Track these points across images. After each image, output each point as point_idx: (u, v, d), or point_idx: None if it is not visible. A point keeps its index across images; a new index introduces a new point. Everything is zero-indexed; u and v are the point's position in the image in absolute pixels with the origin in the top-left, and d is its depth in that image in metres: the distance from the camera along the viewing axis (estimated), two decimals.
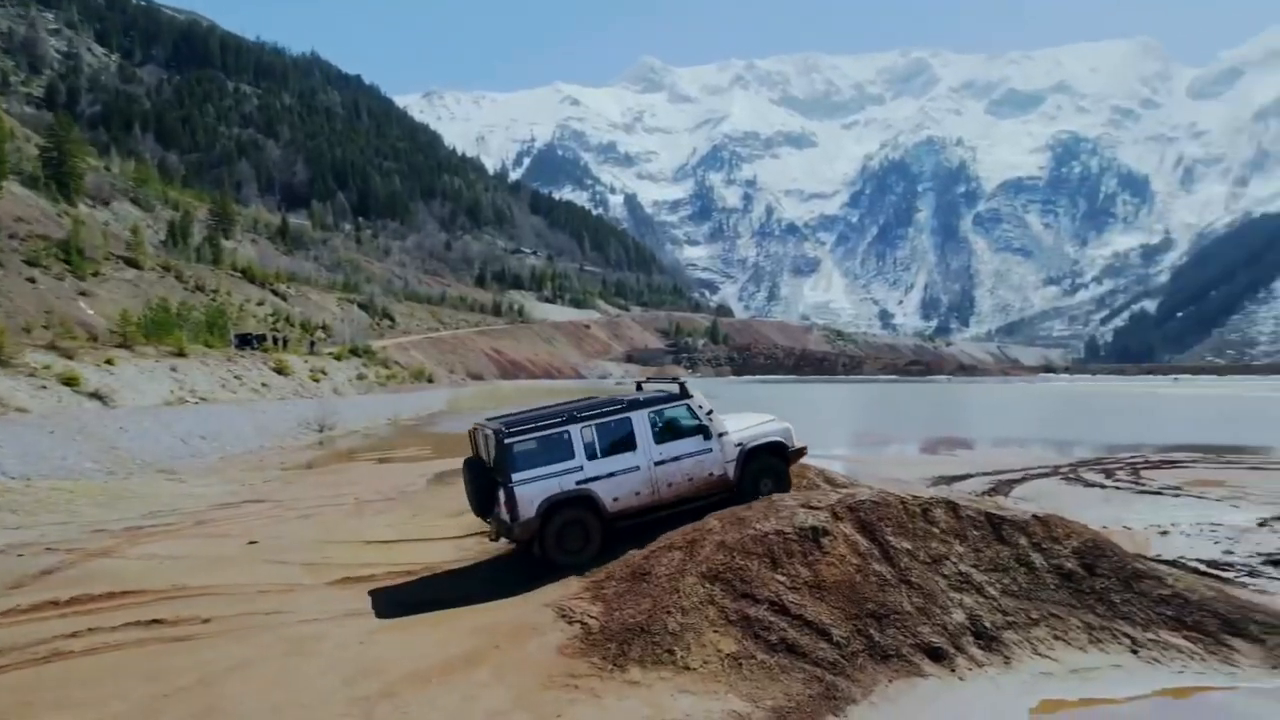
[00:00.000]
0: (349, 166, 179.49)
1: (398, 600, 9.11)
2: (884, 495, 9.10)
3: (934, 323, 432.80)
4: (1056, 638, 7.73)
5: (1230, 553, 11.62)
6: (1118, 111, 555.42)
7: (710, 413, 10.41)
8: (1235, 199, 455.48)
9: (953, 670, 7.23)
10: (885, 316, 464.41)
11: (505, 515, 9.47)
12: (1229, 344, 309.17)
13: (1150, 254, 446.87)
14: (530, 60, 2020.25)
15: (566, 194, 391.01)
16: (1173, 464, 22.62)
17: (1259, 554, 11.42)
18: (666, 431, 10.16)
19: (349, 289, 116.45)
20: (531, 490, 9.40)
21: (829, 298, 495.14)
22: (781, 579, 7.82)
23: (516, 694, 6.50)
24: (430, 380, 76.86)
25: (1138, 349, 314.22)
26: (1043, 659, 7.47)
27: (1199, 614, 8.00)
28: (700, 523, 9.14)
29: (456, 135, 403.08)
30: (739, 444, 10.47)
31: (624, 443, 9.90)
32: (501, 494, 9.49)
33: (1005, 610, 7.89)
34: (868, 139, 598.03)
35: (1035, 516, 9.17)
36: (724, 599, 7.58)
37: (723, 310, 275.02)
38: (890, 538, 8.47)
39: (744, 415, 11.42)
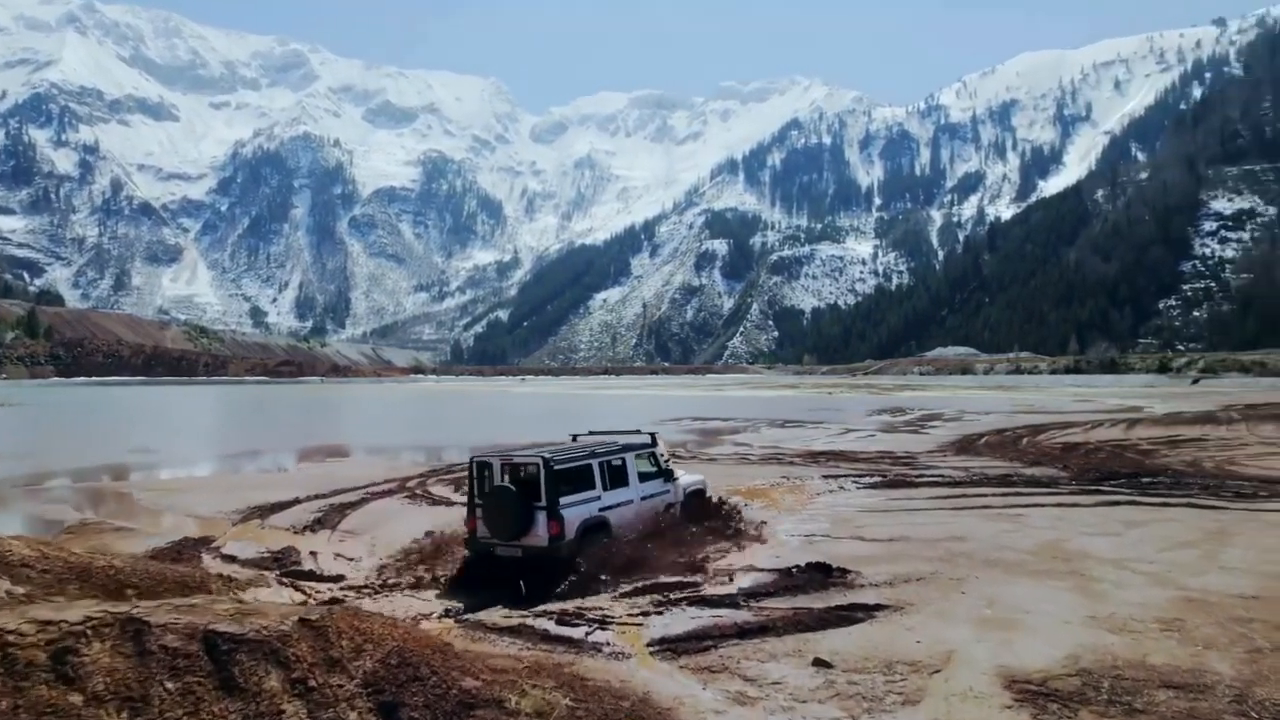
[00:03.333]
0: None
1: None
2: None
3: (310, 323, 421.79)
4: None
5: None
6: (477, 140, 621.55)
7: (668, 459, 12.86)
8: (563, 230, 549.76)
9: None
10: (258, 314, 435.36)
11: (545, 537, 10.16)
12: (560, 350, 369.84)
13: (504, 269, 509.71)
14: None
15: None
16: None
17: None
18: (644, 474, 11.98)
19: None
20: (572, 514, 10.45)
21: (193, 291, 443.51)
22: None
23: None
24: None
25: (494, 352, 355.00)
26: None
27: None
28: None
29: None
30: (684, 487, 12.71)
31: (622, 479, 11.50)
32: (543, 517, 10.22)
33: None
34: (240, 123, 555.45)
35: (306, 623, 5.01)
36: None
37: (48, 297, 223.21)
38: None
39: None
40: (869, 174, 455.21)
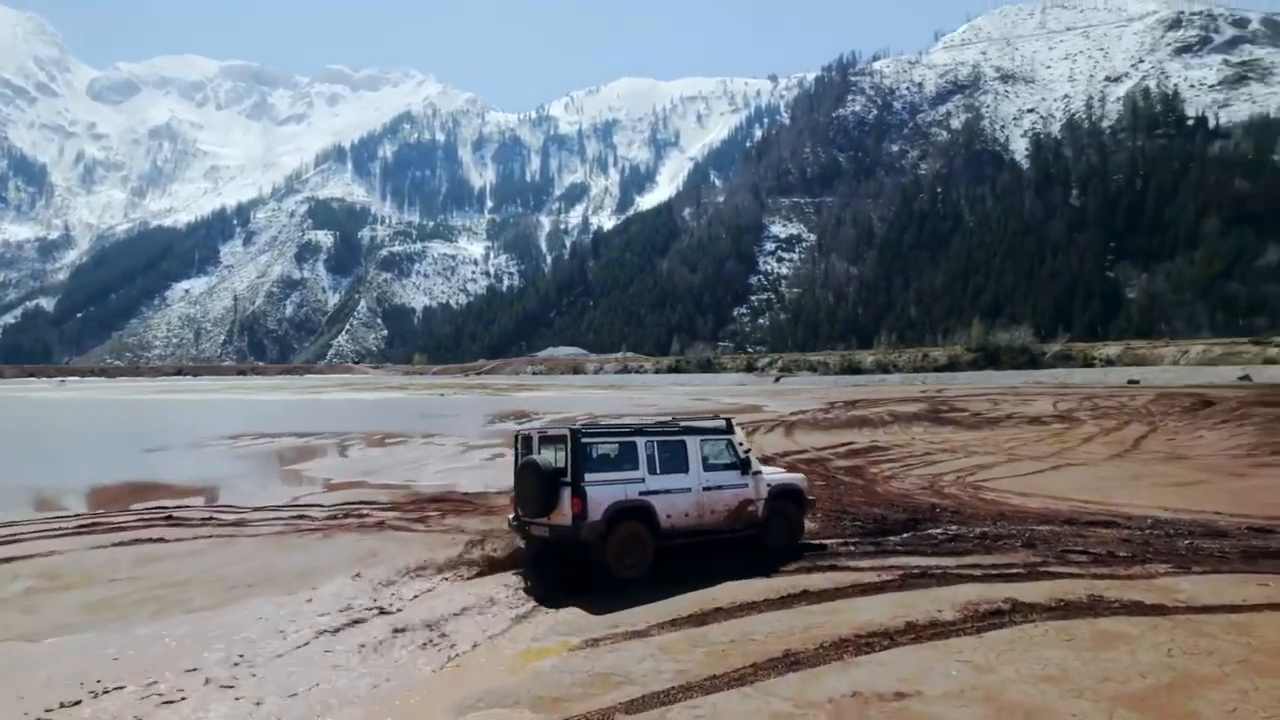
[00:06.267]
0: None
1: None
2: None
3: None
4: None
5: None
6: (9, 88, 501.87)
7: (749, 450, 11.14)
8: (134, 207, 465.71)
9: None
10: None
11: (569, 516, 9.45)
12: (128, 346, 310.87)
13: (48, 249, 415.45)
14: None
15: None
16: None
17: None
18: (712, 461, 10.63)
19: None
20: (601, 493, 9.55)
21: None
22: None
23: None
24: None
25: (33, 348, 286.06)
26: None
27: None
28: None
29: None
30: (769, 484, 11.08)
31: (679, 464, 10.30)
32: (567, 494, 9.52)
33: None
34: None
35: None
36: None
37: None
38: None
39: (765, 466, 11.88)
40: (482, 176, 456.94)
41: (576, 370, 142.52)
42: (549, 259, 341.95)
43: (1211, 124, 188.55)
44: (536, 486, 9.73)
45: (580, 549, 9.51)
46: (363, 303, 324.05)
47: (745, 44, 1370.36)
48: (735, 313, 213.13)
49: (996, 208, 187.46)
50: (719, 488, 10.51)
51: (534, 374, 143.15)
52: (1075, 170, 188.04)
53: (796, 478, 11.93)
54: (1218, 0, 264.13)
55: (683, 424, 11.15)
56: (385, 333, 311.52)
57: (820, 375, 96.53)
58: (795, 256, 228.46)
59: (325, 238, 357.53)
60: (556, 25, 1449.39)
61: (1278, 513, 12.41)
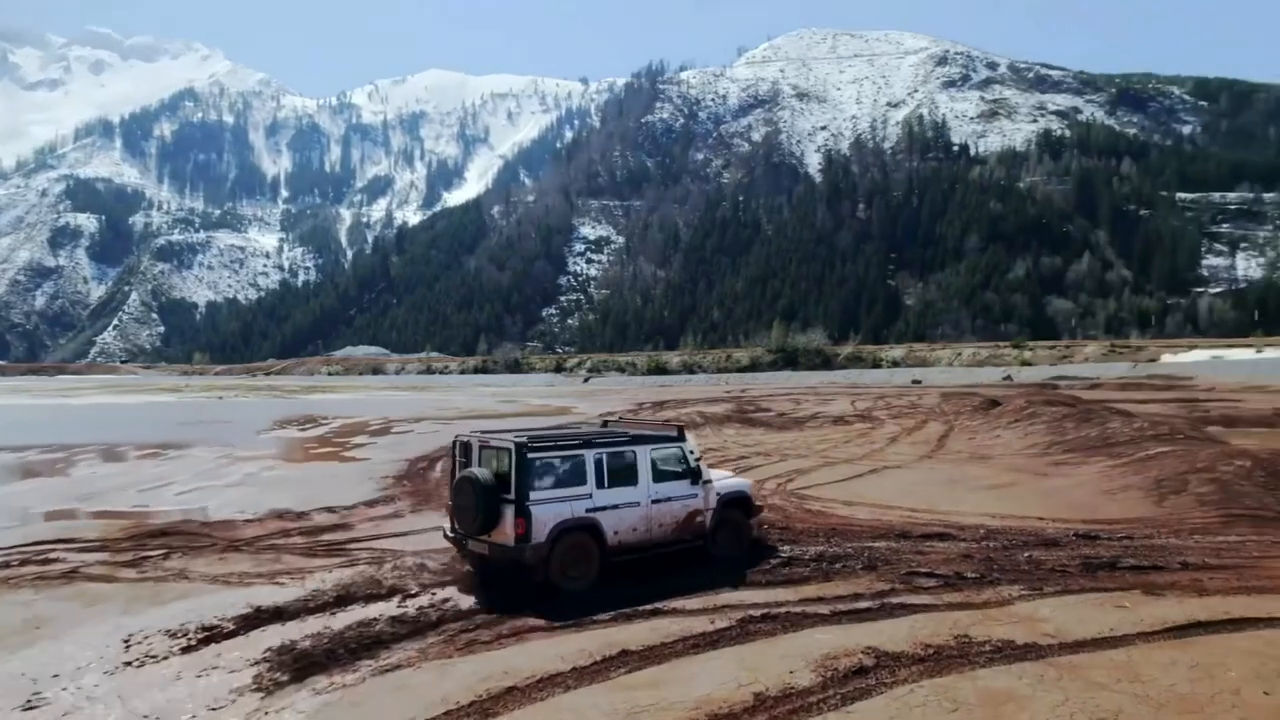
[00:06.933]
0: None
1: None
2: None
3: None
4: None
5: None
6: None
7: (699, 458, 10.44)
8: None
9: None
10: None
11: (512, 536, 8.79)
12: None
13: None
14: None
15: None
16: None
17: None
18: (662, 471, 9.99)
19: None
20: (546, 512, 8.94)
21: None
22: None
23: None
24: None
25: None
26: None
27: None
28: None
29: None
30: (719, 493, 10.41)
31: (628, 476, 9.66)
32: (510, 513, 8.83)
33: None
34: None
35: None
36: None
37: None
38: None
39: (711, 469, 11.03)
40: (276, 163, 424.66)
41: (377, 371, 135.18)
42: (349, 253, 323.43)
43: (972, 151, 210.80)
44: (475, 502, 9.04)
45: (523, 571, 8.87)
46: (134, 296, 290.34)
47: (556, 44, 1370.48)
48: (544, 313, 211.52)
49: (792, 217, 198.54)
50: (668, 500, 9.92)
51: (330, 375, 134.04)
52: (862, 186, 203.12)
53: (743, 483, 11.24)
54: (976, 42, 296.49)
55: (632, 432, 10.43)
56: (162, 329, 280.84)
57: (629, 376, 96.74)
58: (604, 258, 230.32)
59: (88, 221, 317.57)
60: (360, 8, 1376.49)
61: (1090, 515, 12.35)
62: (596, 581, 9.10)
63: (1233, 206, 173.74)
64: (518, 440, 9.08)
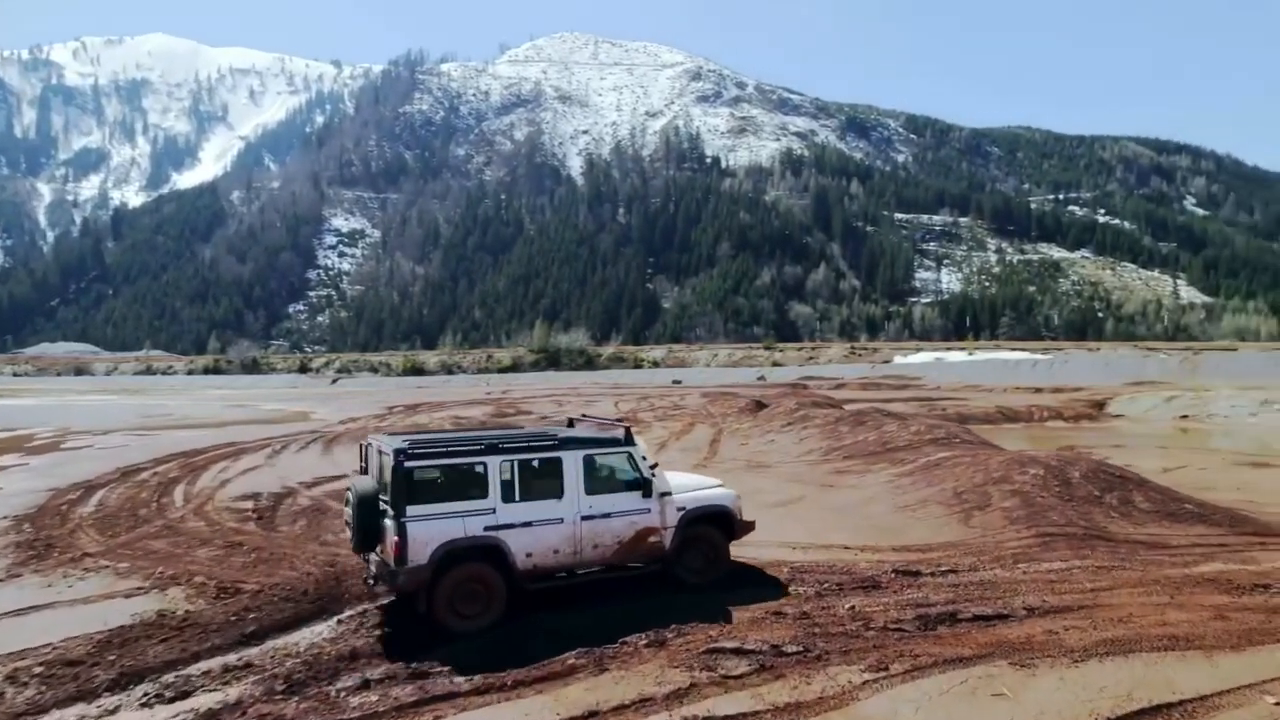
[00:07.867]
0: None
1: None
2: None
3: None
4: None
5: None
6: None
7: (654, 466, 8.85)
8: None
9: None
10: None
11: (390, 557, 7.54)
12: None
13: None
14: None
15: None
16: None
17: None
18: (600, 481, 8.51)
19: None
20: (428, 530, 7.57)
21: None
22: None
23: None
24: None
25: None
26: None
27: None
28: None
29: None
30: (681, 508, 8.81)
31: (549, 488, 8.22)
32: (390, 529, 7.57)
33: None
34: None
35: None
36: None
37: None
38: None
39: (680, 474, 9.86)
40: None
41: (81, 371, 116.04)
42: (50, 236, 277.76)
43: (724, 164, 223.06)
44: (353, 515, 8.04)
45: (402, 597, 7.76)
46: None
47: (304, 21, 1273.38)
48: (291, 309, 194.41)
49: (555, 218, 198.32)
50: (606, 515, 8.45)
51: (15, 376, 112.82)
52: (622, 191, 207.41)
53: (723, 495, 9.41)
54: (726, 61, 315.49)
55: (562, 435, 8.81)
56: None
57: (383, 376, 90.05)
58: (359, 252, 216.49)
59: None
60: None
61: (899, 540, 10.85)
62: (502, 617, 7.70)
63: (938, 227, 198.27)
64: (395, 446, 7.73)
